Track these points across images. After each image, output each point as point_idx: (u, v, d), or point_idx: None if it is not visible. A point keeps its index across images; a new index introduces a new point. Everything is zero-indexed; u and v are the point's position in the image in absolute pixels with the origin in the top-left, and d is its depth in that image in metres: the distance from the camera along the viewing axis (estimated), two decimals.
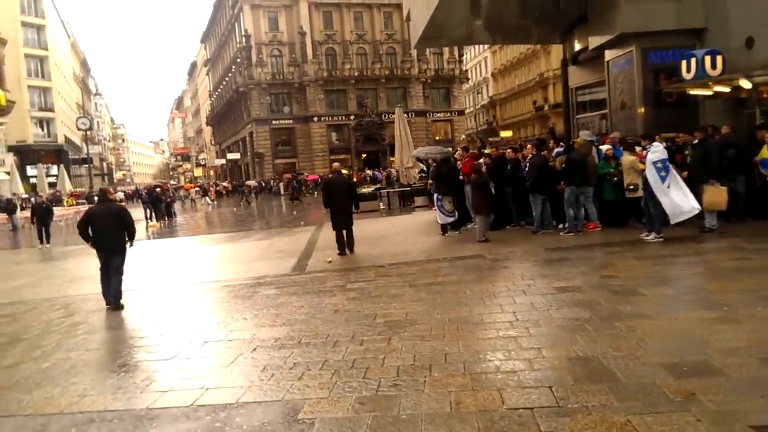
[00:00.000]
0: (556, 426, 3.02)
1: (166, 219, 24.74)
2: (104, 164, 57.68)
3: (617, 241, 8.64)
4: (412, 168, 20.93)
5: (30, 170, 43.46)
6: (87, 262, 9.87)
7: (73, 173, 51.58)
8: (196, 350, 5.04)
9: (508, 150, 11.73)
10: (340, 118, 50.88)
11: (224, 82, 62.59)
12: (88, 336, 5.97)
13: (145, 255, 12.30)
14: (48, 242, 16.26)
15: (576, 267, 7.01)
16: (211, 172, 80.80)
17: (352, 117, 50.46)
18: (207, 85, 78.56)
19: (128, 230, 7.32)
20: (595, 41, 11.76)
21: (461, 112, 56.81)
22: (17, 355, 5.43)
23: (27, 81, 47.53)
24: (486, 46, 64.94)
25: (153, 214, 24.92)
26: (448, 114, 54.08)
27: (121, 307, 6.99)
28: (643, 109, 10.76)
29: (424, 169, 20.48)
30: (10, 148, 39.80)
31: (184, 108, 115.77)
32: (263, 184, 44.84)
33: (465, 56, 59.45)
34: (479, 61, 68.69)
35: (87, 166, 51.66)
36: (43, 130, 50.29)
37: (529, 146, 10.66)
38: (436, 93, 53.64)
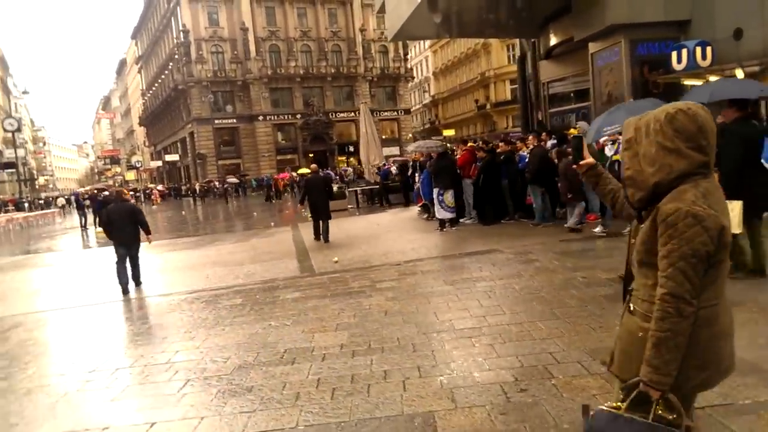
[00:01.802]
0: None
1: None
2: (26, 169, 53.40)
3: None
4: (386, 166, 20.61)
5: None
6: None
7: None
8: (276, 362, 4.48)
9: (500, 143, 11.63)
10: (286, 117, 49.75)
11: (159, 80, 59.71)
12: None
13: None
14: None
15: (612, 257, 6.92)
16: (145, 175, 76.99)
17: (298, 116, 49.47)
18: (139, 84, 74.81)
19: (142, 225, 8.40)
20: (579, 34, 11.87)
21: (407, 111, 57.00)
22: None
23: None
24: (426, 46, 65.65)
25: (99, 220, 23.26)
26: (395, 113, 54.08)
27: (140, 283, 8.39)
28: (631, 100, 10.94)
29: (380, 166, 20.33)
30: None
31: (111, 108, 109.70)
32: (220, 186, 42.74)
33: (409, 54, 59.69)
34: (421, 60, 69.25)
35: (11, 171, 47.71)
36: None
37: (530, 137, 10.59)
38: (382, 91, 53.53)
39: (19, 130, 47.48)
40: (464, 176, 11.39)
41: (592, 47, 12.07)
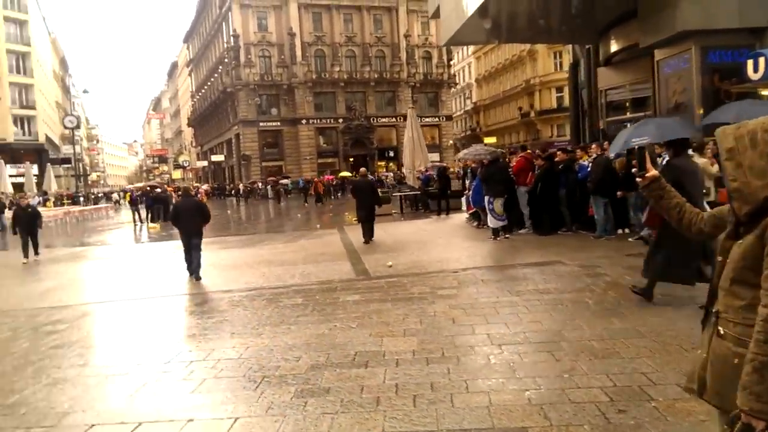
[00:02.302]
0: None
1: (164, 221, 23.71)
2: (80, 165, 55.51)
3: None
4: (427, 171, 20.46)
5: (10, 169, 41.45)
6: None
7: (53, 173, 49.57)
8: (348, 364, 4.43)
9: (558, 151, 11.35)
10: (328, 121, 50.22)
11: (209, 83, 61.21)
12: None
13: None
14: (36, 253, 12.80)
15: None
16: (191, 174, 78.99)
17: (340, 120, 49.87)
18: (189, 86, 76.85)
19: (205, 218, 9.15)
20: (645, 40, 11.49)
21: (449, 117, 56.71)
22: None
23: (8, 77, 45.51)
24: (470, 52, 65.26)
25: (151, 216, 23.93)
26: (436, 119, 53.83)
27: (199, 278, 8.78)
28: (701, 110, 10.51)
29: (422, 171, 20.17)
30: None
31: (161, 109, 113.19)
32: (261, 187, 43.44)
33: (452, 61, 59.45)
34: (463, 66, 68.87)
35: (67, 166, 49.70)
36: (23, 128, 48.19)
37: (594, 146, 10.29)
38: (424, 97, 53.38)
39: (78, 127, 49.49)
40: (519, 184, 11.17)
41: (659, 54, 11.67)
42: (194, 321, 6.31)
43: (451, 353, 4.52)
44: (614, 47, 13.44)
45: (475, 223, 13.21)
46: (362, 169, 14.80)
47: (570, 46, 20.38)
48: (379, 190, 22.73)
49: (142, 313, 6.97)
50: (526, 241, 10.48)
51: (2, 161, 35.47)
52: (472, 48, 62.46)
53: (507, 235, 10.79)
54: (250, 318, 6.20)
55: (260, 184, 43.67)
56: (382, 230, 13.16)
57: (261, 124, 49.26)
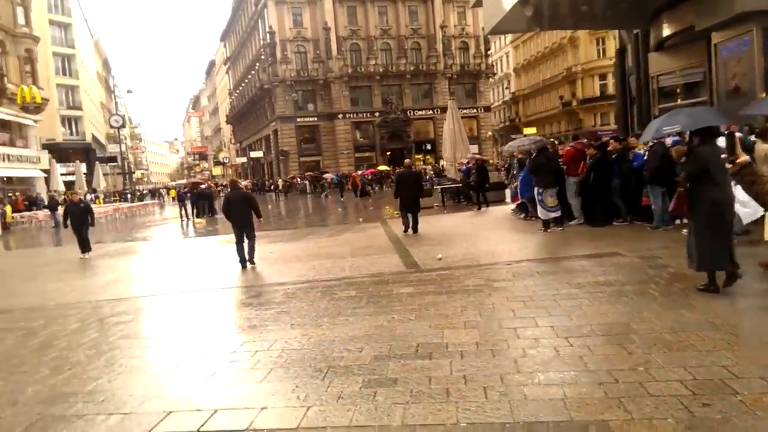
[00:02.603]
0: None
1: (209, 216, 24.29)
2: (125, 163, 57.29)
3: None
4: (468, 163, 20.23)
5: (60, 168, 43.10)
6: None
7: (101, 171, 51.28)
8: (412, 355, 4.43)
9: (611, 140, 11.03)
10: (364, 115, 50.30)
11: (246, 80, 62.17)
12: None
13: (229, 251, 11.76)
14: (88, 249, 12.89)
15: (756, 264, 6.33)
16: (230, 171, 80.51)
17: (377, 114, 49.89)
18: (227, 84, 78.26)
19: (255, 210, 9.55)
20: (702, 23, 11.03)
21: (487, 108, 55.95)
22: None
23: (55, 79, 47.17)
24: (508, 41, 64.21)
25: (196, 211, 24.53)
26: (474, 110, 53.17)
27: (254, 263, 9.44)
28: (764, 94, 10.03)
29: (463, 163, 19.86)
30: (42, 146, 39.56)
31: (201, 107, 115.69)
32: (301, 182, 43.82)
33: (490, 50, 58.55)
34: (501, 55, 67.85)
35: (113, 164, 51.44)
36: (70, 128, 50.03)
37: None
38: (461, 88, 52.78)
39: (123, 126, 51.01)
40: (569, 174, 10.92)
41: (716, 37, 11.18)
42: (253, 312, 6.41)
43: (517, 345, 4.46)
44: (666, 31, 12.95)
45: (522, 215, 13.01)
46: (407, 161, 14.89)
47: (615, 32, 19.75)
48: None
49: (200, 304, 7.14)
50: (578, 232, 10.25)
51: (54, 160, 36.94)
52: (510, 37, 61.44)
53: (560, 227, 10.57)
54: (307, 309, 6.27)
55: (299, 180, 44.16)
56: (425, 223, 13.10)
57: (298, 119, 49.73)
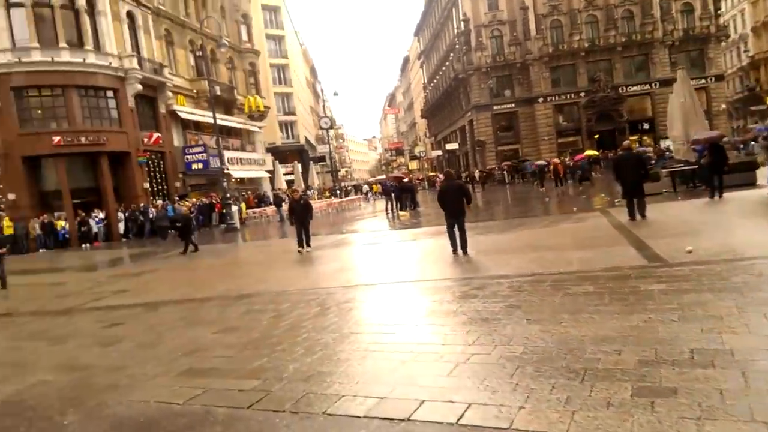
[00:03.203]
0: None
1: (411, 209, 25.08)
2: (332, 162, 62.78)
3: None
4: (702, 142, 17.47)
5: (282, 168, 48.92)
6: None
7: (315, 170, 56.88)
8: (686, 362, 3.78)
9: None
10: (567, 97, 47.23)
11: (440, 73, 63.17)
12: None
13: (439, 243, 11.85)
14: (308, 245, 13.20)
15: None
16: (426, 164, 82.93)
17: (582, 94, 46.45)
18: (421, 78, 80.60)
19: (467, 198, 9.84)
20: None
21: (719, 77, 47.80)
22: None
23: (273, 88, 53.63)
24: None
25: (399, 205, 25.52)
26: (702, 80, 45.79)
27: (467, 255, 9.48)
28: None
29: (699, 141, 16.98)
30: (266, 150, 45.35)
31: (396, 104, 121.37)
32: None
33: (721, 9, 49.96)
34: (734, 14, 57.94)
35: (322, 163, 56.81)
36: (287, 132, 56.51)
37: None
38: (684, 57, 46.01)
39: (331, 127, 55.88)
40: None
41: None
42: (480, 305, 6.18)
43: None
44: None
45: None
46: (626, 143, 14.01)
47: None
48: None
49: (425, 293, 7.16)
50: None
51: (277, 162, 41.93)
52: None
53: None
54: (540, 304, 5.84)
55: (497, 170, 43.37)
56: (657, 211, 11.66)
57: (494, 107, 48.81)
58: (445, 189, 10.17)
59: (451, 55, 55.55)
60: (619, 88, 45.61)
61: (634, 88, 46.01)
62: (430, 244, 11.98)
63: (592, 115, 46.17)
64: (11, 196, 24.42)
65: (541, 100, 47.21)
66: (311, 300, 7.61)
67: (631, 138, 43.23)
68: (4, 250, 12.16)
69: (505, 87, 49.26)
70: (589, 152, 38.70)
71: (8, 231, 23.52)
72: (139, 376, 4.82)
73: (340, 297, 7.54)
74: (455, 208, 9.68)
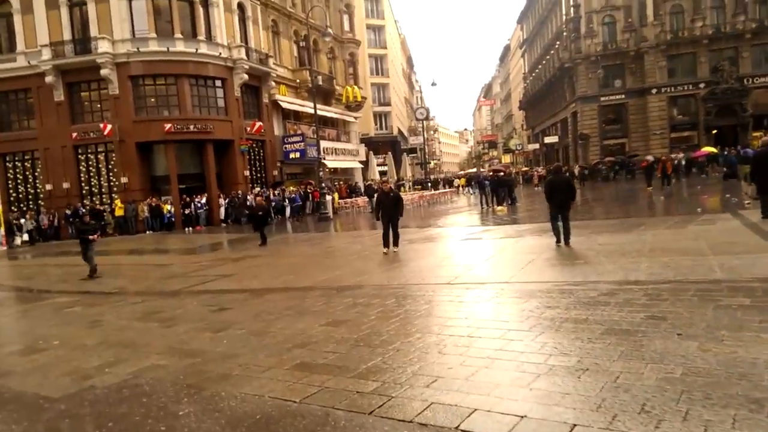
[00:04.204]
0: None
1: (508, 204, 24.05)
2: (422, 154, 62.15)
3: None
4: None
5: (375, 159, 49.10)
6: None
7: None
8: None
9: None
10: (685, 88, 43.32)
11: (543, 62, 60.48)
12: None
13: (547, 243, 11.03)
14: (396, 245, 11.50)
15: None
16: (520, 158, 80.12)
17: (701, 85, 42.45)
18: (521, 68, 77.80)
19: (572, 193, 10.36)
20: None
21: None
22: None
23: (370, 79, 53.70)
24: None
25: (496, 199, 24.54)
26: None
27: (568, 245, 9.93)
28: None
29: None
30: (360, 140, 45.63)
31: (492, 95, 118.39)
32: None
33: None
34: None
35: (413, 155, 56.37)
36: (380, 123, 56.60)
37: None
38: None
39: (426, 118, 55.28)
40: None
41: None
42: (615, 313, 5.46)
43: None
44: None
45: None
46: (765, 138, 12.29)
47: None
48: None
49: (546, 297, 6.45)
50: None
51: (372, 153, 42.06)
52: None
53: None
54: (689, 317, 5.06)
55: (601, 165, 40.78)
56: None
57: (602, 98, 45.85)
58: (553, 182, 10.56)
59: (557, 43, 52.90)
60: (745, 80, 41.18)
61: (763, 79, 41.29)
62: (537, 242, 11.16)
63: (712, 108, 42.04)
64: (124, 180, 26.21)
65: (654, 91, 43.72)
66: (417, 296, 7.22)
67: (753, 134, 39.07)
68: (96, 236, 11.94)
69: (615, 77, 46.10)
70: (707, 149, 35.35)
71: (119, 212, 25.40)
72: (252, 367, 4.65)
73: (448, 295, 7.08)
74: (562, 201, 10.17)
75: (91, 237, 11.63)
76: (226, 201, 27.46)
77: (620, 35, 45.05)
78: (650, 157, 28.17)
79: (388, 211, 11.38)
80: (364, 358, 4.66)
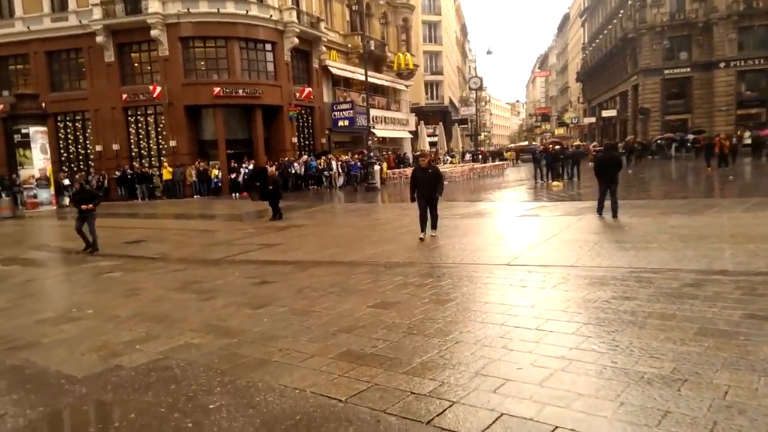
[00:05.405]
0: None
1: (567, 179, 22.87)
2: (473, 125, 60.27)
3: None
4: None
5: (426, 129, 47.84)
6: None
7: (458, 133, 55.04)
8: None
9: None
10: (756, 62, 40.11)
11: (604, 32, 57.22)
12: None
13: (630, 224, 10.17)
14: (434, 228, 9.82)
15: None
16: (575, 132, 77.01)
17: None
18: (580, 38, 74.10)
19: (618, 169, 10.96)
20: None
21: None
22: None
23: (423, 46, 52.00)
24: None
25: (551, 173, 23.40)
26: None
27: (616, 215, 10.39)
28: None
29: None
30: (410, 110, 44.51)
31: (548, 66, 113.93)
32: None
33: None
34: None
35: (463, 126, 54.75)
36: (431, 93, 55.06)
37: None
38: None
39: (480, 88, 53.39)
40: None
41: None
42: (706, 309, 4.72)
43: None
44: None
45: None
46: None
47: None
48: None
49: (618, 285, 5.71)
50: None
51: (423, 123, 40.96)
52: None
53: None
54: None
55: (660, 141, 38.40)
56: None
57: (666, 71, 43.07)
58: (603, 158, 11.30)
59: (621, 12, 49.81)
60: None
61: None
62: (601, 222, 10.31)
63: None
64: (172, 143, 26.32)
65: (722, 65, 40.65)
66: (474, 277, 6.63)
67: None
68: (91, 206, 10.32)
69: (680, 49, 43.11)
70: None
71: (167, 176, 25.55)
72: (293, 353, 4.18)
73: (508, 278, 6.41)
74: (609, 176, 10.71)
75: (84, 206, 10.21)
76: (273, 167, 27.19)
77: (689, 5, 41.92)
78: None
79: (425, 190, 9.54)
80: (419, 349, 4.12)
